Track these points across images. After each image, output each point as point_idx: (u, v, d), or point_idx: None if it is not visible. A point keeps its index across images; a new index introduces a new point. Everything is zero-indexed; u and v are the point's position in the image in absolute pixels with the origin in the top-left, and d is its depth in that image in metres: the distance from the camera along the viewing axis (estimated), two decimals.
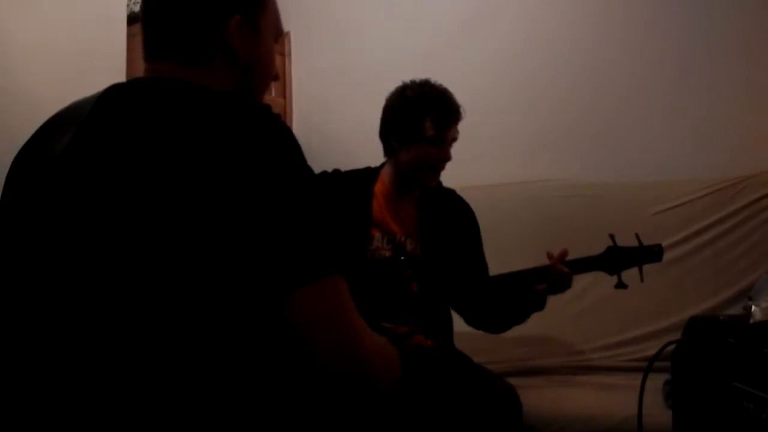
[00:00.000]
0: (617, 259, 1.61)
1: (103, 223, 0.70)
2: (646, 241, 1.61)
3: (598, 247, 1.64)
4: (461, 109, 1.71)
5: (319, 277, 0.69)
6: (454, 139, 1.70)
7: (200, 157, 0.69)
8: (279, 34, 0.95)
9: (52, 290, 0.72)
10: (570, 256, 1.63)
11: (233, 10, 0.84)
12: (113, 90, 0.80)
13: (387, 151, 1.76)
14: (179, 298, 0.67)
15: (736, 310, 1.87)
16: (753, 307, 1.10)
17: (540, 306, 1.69)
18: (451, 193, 1.84)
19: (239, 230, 0.67)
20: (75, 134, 0.76)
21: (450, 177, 1.85)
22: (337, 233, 0.73)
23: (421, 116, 1.66)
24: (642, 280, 1.59)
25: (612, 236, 1.61)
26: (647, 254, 1.60)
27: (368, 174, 1.80)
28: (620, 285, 1.60)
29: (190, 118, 0.72)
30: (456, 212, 1.81)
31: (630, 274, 1.62)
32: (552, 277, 1.61)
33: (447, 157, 1.70)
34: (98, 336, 0.68)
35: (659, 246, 1.62)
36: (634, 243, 1.61)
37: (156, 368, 0.67)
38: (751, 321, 1.09)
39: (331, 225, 0.73)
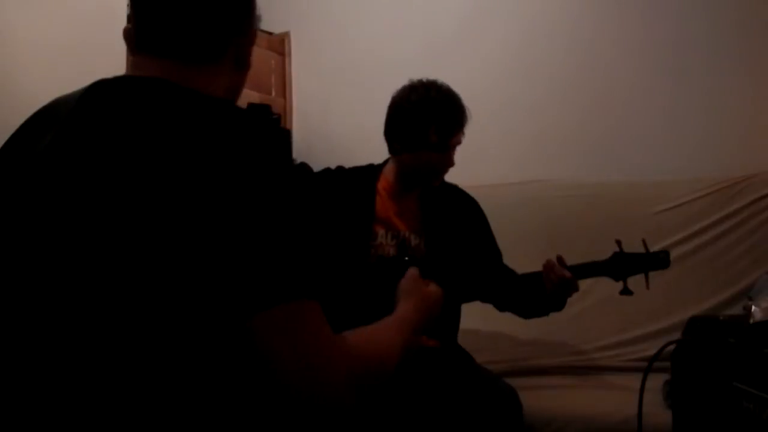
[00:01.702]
0: (623, 265, 1.59)
1: (74, 226, 0.68)
2: (646, 242, 1.60)
3: (598, 247, 1.63)
4: (467, 113, 1.68)
5: (283, 301, 0.66)
6: (459, 143, 1.70)
7: (177, 166, 0.67)
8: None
9: (26, 291, 0.71)
10: (570, 256, 1.62)
11: (253, 23, 0.85)
12: (98, 87, 0.78)
13: (391, 150, 1.75)
14: (142, 307, 0.66)
15: (736, 310, 1.87)
16: (753, 307, 1.11)
17: (558, 307, 1.68)
18: (454, 188, 1.83)
19: (209, 244, 0.65)
20: (56, 132, 0.75)
21: (450, 177, 1.85)
22: (315, 253, 0.70)
23: (425, 123, 1.64)
24: (648, 287, 1.56)
25: (618, 242, 1.59)
26: (654, 261, 1.58)
27: (371, 171, 1.80)
28: (626, 291, 1.57)
29: (171, 124, 0.71)
30: (459, 206, 1.81)
31: (634, 280, 1.59)
32: (552, 282, 1.58)
33: (450, 164, 1.70)
34: (67, 339, 0.67)
35: (666, 253, 1.59)
36: (636, 245, 1.59)
37: (118, 377, 0.66)
38: (751, 321, 1.09)
39: (308, 245, 0.69)
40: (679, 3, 2.33)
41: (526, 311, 1.75)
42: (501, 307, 1.78)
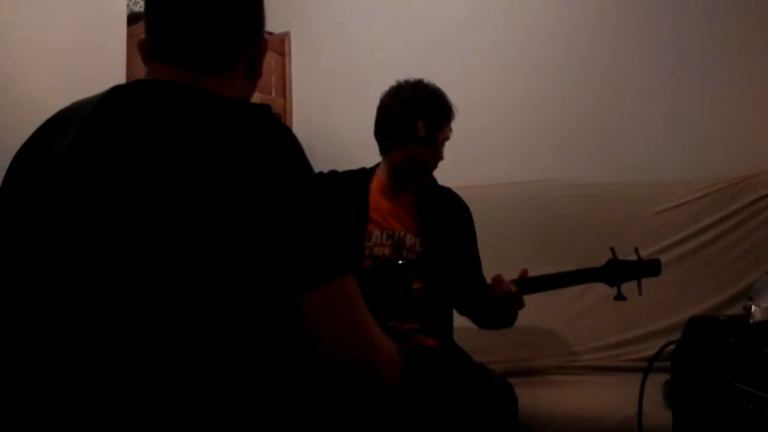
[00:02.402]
0: (617, 272, 1.66)
1: (107, 224, 0.69)
2: (646, 242, 1.64)
3: (597, 247, 1.65)
4: (453, 109, 1.73)
5: (329, 278, 0.69)
6: (446, 138, 1.73)
7: (206, 160, 0.69)
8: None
9: (52, 290, 0.71)
10: (569, 256, 1.65)
11: (262, 31, 0.87)
12: (116, 91, 0.80)
13: (382, 150, 1.78)
14: (186, 300, 0.67)
15: (736, 310, 1.87)
16: (753, 307, 1.10)
17: (508, 323, 1.74)
18: (447, 190, 1.86)
19: (245, 233, 0.67)
20: (77, 134, 0.76)
21: (450, 177, 1.85)
22: (342, 232, 0.73)
23: (413, 117, 1.68)
24: (640, 293, 1.63)
25: (612, 249, 1.66)
26: (646, 268, 1.66)
27: (363, 173, 1.83)
28: (619, 297, 1.65)
29: (195, 122, 0.72)
30: (454, 208, 1.83)
31: (628, 286, 1.65)
32: (498, 294, 1.61)
33: (439, 157, 1.72)
34: (101, 338, 0.68)
35: (657, 261, 1.67)
36: (636, 245, 1.64)
37: (163, 370, 0.67)
38: (751, 321, 1.08)
39: (337, 225, 0.73)
40: (680, 3, 2.33)
41: (482, 321, 1.81)
42: (461, 311, 1.82)
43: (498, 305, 1.64)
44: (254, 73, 0.89)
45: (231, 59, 0.84)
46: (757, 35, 2.24)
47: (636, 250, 1.65)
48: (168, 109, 0.74)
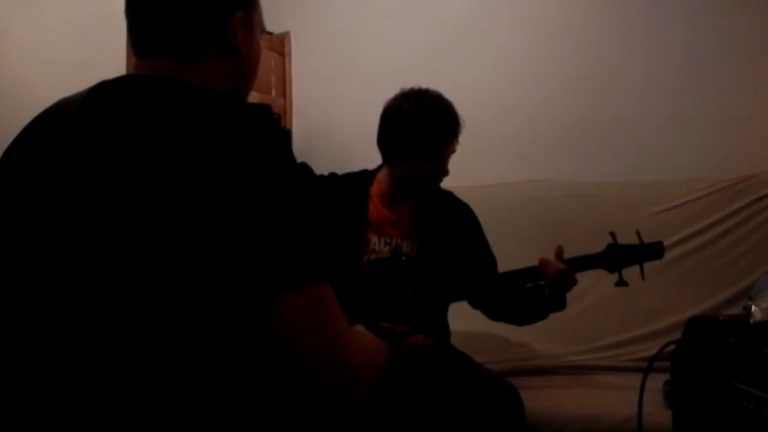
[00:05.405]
0: (618, 257, 1.59)
1: (90, 223, 0.69)
2: (646, 241, 1.60)
3: (597, 247, 1.62)
4: (461, 122, 1.68)
5: (302, 285, 0.68)
6: (453, 152, 1.69)
7: (188, 158, 0.68)
8: (263, 31, 0.94)
9: (36, 290, 0.71)
10: (569, 256, 1.62)
11: (237, 6, 0.84)
12: (101, 87, 0.79)
13: (385, 160, 1.75)
14: (162, 300, 0.66)
15: (736, 310, 1.87)
16: (753, 307, 1.10)
17: (560, 306, 1.65)
18: (449, 194, 1.83)
19: (224, 234, 0.66)
20: (63, 132, 0.76)
21: (450, 177, 1.84)
22: (325, 238, 0.72)
23: (418, 135, 1.64)
24: (643, 277, 1.56)
25: (612, 234, 1.59)
26: (648, 252, 1.58)
27: (364, 177, 1.80)
28: (621, 283, 1.58)
29: (178, 118, 0.72)
30: (454, 214, 1.80)
31: (631, 274, 1.59)
32: (550, 276, 1.57)
33: (444, 173, 1.69)
34: (80, 336, 0.68)
35: (660, 243, 1.59)
36: (635, 241, 1.60)
37: (139, 369, 0.66)
38: (751, 321, 1.08)
39: (318, 230, 0.71)
40: (682, 4, 2.33)
41: (523, 317, 1.73)
42: (493, 316, 1.77)
43: (552, 289, 1.58)
44: (230, 51, 0.84)
45: (202, 45, 0.83)
46: (758, 35, 2.24)
47: (637, 233, 1.58)
48: (151, 105, 0.74)
